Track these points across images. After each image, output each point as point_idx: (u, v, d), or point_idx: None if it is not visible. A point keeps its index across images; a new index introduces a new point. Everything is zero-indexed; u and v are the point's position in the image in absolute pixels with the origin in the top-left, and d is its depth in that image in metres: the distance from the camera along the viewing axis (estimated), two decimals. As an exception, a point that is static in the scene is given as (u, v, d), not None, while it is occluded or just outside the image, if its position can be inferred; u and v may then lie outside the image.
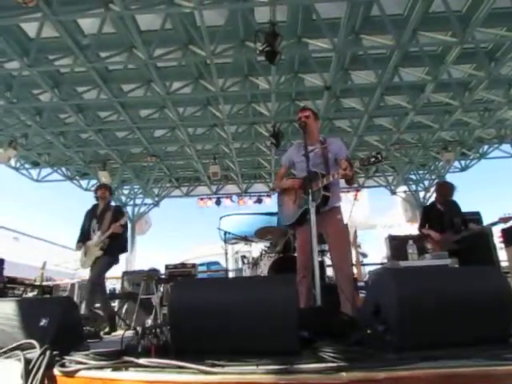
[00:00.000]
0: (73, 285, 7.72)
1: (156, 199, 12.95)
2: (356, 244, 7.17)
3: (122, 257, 5.21)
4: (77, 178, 11.83)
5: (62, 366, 1.70)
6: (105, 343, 3.50)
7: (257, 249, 7.22)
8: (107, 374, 1.59)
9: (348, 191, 11.68)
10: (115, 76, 7.13)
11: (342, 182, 3.43)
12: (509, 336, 1.89)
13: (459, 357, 1.51)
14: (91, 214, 5.13)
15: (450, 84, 7.69)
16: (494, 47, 6.94)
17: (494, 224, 4.97)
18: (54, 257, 13.41)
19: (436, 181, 11.34)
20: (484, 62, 6.88)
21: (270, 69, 6.56)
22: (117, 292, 8.04)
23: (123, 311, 6.55)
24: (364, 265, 8.72)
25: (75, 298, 7.06)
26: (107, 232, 4.79)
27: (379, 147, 10.13)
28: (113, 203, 5.47)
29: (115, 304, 6.93)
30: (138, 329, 2.18)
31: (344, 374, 1.35)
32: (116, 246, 4.91)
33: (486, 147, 11.05)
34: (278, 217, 3.64)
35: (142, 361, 1.64)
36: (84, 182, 12.03)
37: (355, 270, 6.45)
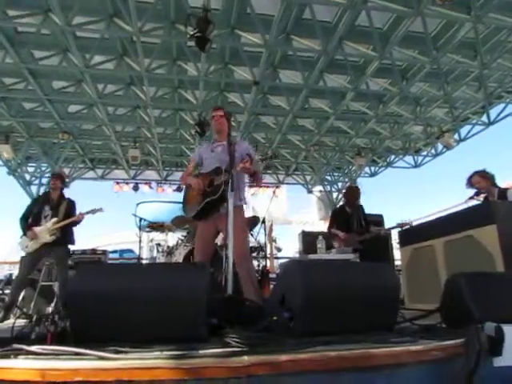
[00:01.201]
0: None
1: (66, 180, 11.96)
2: (271, 238, 7.43)
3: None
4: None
5: None
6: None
7: (173, 238, 7.08)
8: (-7, 362, 1.45)
9: (267, 187, 12.05)
10: (26, 39, 6.37)
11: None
12: (394, 323, 2.13)
13: (351, 341, 1.67)
14: (43, 200, 5.05)
15: (368, 95, 8.30)
16: (407, 67, 7.69)
17: (393, 228, 5.53)
18: None
19: (347, 184, 12.18)
20: (397, 78, 7.56)
21: (200, 56, 6.44)
22: (13, 277, 7.29)
23: (20, 298, 5.96)
24: (277, 258, 9.07)
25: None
26: (65, 221, 4.79)
27: (300, 146, 10.59)
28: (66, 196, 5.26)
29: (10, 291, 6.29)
30: (34, 316, 2.02)
31: (246, 357, 1.39)
32: (68, 236, 4.93)
33: (392, 157, 12.15)
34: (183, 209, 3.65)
35: (34, 348, 1.53)
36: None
37: (268, 263, 6.69)
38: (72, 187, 12.08)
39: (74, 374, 1.35)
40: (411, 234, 4.95)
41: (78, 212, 5.01)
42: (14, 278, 7.13)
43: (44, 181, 11.57)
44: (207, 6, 5.15)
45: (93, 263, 6.58)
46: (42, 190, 11.51)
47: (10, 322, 3.86)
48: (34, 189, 11.31)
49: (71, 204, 5.09)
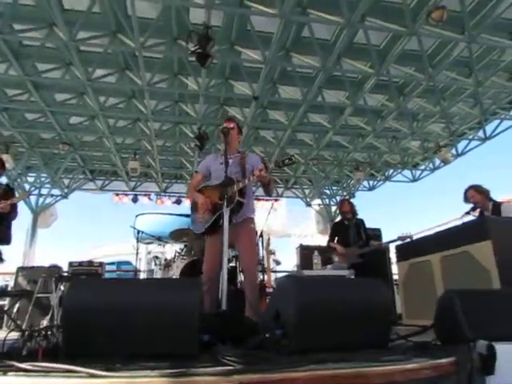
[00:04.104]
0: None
1: (65, 191, 11.99)
2: (269, 251, 7.42)
3: (19, 250, 4.48)
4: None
5: None
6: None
7: (171, 250, 7.07)
8: (-19, 378, 1.44)
9: (267, 200, 12.06)
10: (30, 52, 6.46)
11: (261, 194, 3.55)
12: (388, 340, 2.12)
13: (344, 359, 1.67)
14: None
15: (366, 110, 8.38)
16: (404, 83, 7.79)
17: (393, 241, 5.47)
18: None
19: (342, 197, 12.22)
20: (394, 94, 7.67)
21: (201, 70, 6.53)
22: (9, 289, 7.26)
23: (14, 310, 5.93)
24: (275, 272, 9.03)
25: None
26: None
27: (299, 160, 10.65)
28: (2, 180, 4.33)
29: (5, 302, 6.26)
30: (26, 330, 2.02)
31: (236, 376, 1.39)
32: (3, 233, 3.95)
33: (391, 171, 12.21)
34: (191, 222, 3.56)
35: (24, 365, 1.52)
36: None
37: (266, 277, 6.67)
38: (71, 198, 12.13)
39: (64, 392, 1.35)
40: (408, 249, 4.95)
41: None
42: (9, 289, 7.12)
43: (44, 191, 11.62)
44: (208, 23, 5.26)
45: (89, 275, 6.57)
46: (42, 200, 11.54)
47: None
48: (33, 199, 11.34)
49: (5, 191, 4.06)
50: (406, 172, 12.04)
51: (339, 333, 1.99)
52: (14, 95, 7.78)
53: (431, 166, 11.40)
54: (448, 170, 10.63)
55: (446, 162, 9.90)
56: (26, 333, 1.90)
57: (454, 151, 10.10)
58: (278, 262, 10.68)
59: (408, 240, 5.19)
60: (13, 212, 3.94)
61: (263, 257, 6.75)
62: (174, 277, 5.43)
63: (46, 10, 5.51)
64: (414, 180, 12.12)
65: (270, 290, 5.98)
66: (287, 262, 11.85)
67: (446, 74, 7.16)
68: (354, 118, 8.75)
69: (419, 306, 4.41)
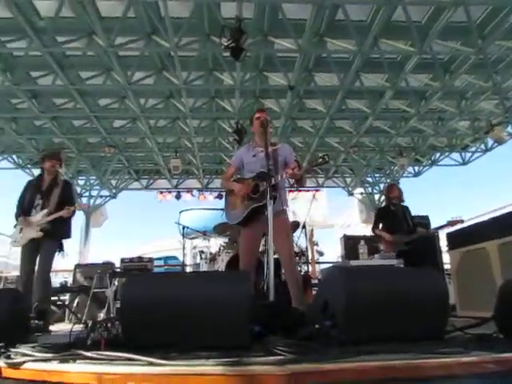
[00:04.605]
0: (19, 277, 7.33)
1: (113, 191, 12.56)
2: (313, 242, 7.36)
3: (75, 249, 4.81)
4: (29, 166, 11.19)
5: (7, 357, 1.68)
6: (53, 337, 3.38)
7: (215, 244, 7.21)
8: (54, 366, 1.58)
9: (308, 190, 11.95)
10: (73, 62, 6.83)
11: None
12: (443, 333, 2.03)
13: (396, 351, 1.62)
14: (34, 188, 4.27)
15: (408, 92, 8.04)
16: (450, 60, 7.31)
17: (442, 227, 5.20)
18: (2, 248, 12.67)
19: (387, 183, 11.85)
20: (439, 73, 7.25)
21: (235, 65, 6.55)
22: (68, 285, 7.74)
23: (74, 305, 6.33)
24: (319, 263, 8.95)
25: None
26: (54, 214, 4.06)
27: (339, 149, 10.44)
28: (62, 177, 4.52)
29: (66, 297, 6.69)
30: (89, 322, 2.14)
31: (289, 366, 1.40)
32: (61, 229, 4.19)
33: (437, 154, 11.65)
34: (225, 216, 3.59)
35: (90, 353, 1.63)
36: (36, 171, 11.41)
37: (310, 268, 6.63)
38: (119, 197, 12.71)
39: (127, 379, 1.43)
40: (461, 236, 4.66)
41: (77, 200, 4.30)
42: (68, 285, 7.59)
43: (94, 193, 12.24)
44: (240, 16, 5.25)
45: (140, 270, 6.85)
46: (92, 201, 12.16)
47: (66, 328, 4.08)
48: (84, 200, 11.97)
49: (66, 189, 4.28)
50: (455, 155, 11.46)
51: (391, 324, 1.93)
52: (61, 104, 8.25)
53: (483, 147, 10.76)
54: (503, 150, 9.96)
55: (500, 141, 9.27)
56: (89, 325, 2.02)
57: (509, 129, 9.42)
58: (321, 253, 10.57)
59: (459, 225, 4.93)
60: (73, 212, 4.23)
61: (307, 248, 6.71)
62: (219, 270, 5.54)
63: (85, 20, 5.76)
64: (464, 163, 11.48)
65: (315, 281, 5.94)
66: (330, 252, 11.72)
67: (498, 44, 6.61)
68: (395, 101, 8.42)
69: (474, 297, 4.15)
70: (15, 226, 4.17)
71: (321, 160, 3.06)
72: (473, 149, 11.09)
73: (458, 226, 5.01)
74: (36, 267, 4.03)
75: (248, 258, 3.32)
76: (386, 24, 6.05)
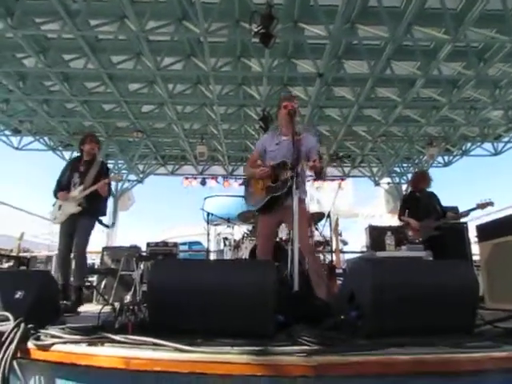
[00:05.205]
0: (50, 257, 7.60)
1: (140, 176, 12.81)
2: (337, 232, 7.30)
3: (103, 231, 4.87)
4: (60, 148, 11.51)
5: (37, 339, 1.69)
6: (82, 318, 3.45)
7: (239, 231, 7.26)
8: (82, 348, 1.60)
9: (333, 180, 11.82)
10: (104, 46, 6.90)
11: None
12: (473, 326, 1.98)
13: (424, 344, 1.59)
14: (73, 166, 4.50)
15: (440, 80, 7.77)
16: (484, 47, 7.02)
17: (472, 210, 5.04)
18: (33, 227, 13.15)
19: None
20: (473, 61, 6.96)
21: (264, 51, 6.48)
22: (96, 267, 8.00)
23: (102, 286, 6.54)
24: (343, 252, 8.90)
25: (52, 271, 6.98)
26: (91, 187, 4.25)
27: (367, 138, 10.24)
28: (100, 159, 4.80)
29: (93, 279, 6.92)
30: (116, 305, 2.20)
31: (315, 357, 1.41)
32: (97, 206, 4.40)
33: (469, 144, 11.27)
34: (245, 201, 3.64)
35: (118, 337, 1.66)
36: (67, 154, 11.74)
37: (334, 258, 6.60)
38: (145, 182, 12.94)
39: (155, 364, 1.46)
40: (491, 228, 4.54)
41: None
42: (96, 267, 7.84)
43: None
44: (271, 1, 5.16)
45: (165, 255, 6.99)
46: (120, 185, 12.44)
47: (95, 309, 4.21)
48: (113, 184, 12.24)
49: (102, 168, 4.48)
50: (487, 145, 11.07)
51: (418, 317, 1.90)
52: (92, 88, 8.39)
53: (516, 137, 10.35)
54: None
55: (535, 132, 8.88)
56: (117, 308, 2.07)
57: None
58: (344, 243, 10.49)
59: (489, 207, 4.78)
60: (108, 190, 4.45)
61: (331, 237, 6.67)
62: (243, 257, 5.59)
63: (117, 4, 5.79)
64: (497, 153, 11.10)
65: (340, 270, 5.90)
66: (354, 242, 11.62)
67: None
68: (426, 90, 8.14)
69: (505, 289, 4.07)
70: (54, 204, 4.36)
71: (342, 154, 3.08)
72: (506, 139, 10.71)
73: (488, 210, 4.92)
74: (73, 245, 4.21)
75: (263, 240, 3.44)
76: (420, 11, 5.85)
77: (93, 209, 4.31)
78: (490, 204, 4.80)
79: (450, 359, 1.48)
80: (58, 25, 6.19)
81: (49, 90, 8.47)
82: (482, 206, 4.84)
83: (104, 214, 4.60)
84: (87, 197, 4.25)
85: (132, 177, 12.75)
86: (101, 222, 4.56)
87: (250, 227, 6.44)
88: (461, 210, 5.30)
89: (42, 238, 13.31)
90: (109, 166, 11.31)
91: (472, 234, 6.26)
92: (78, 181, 4.35)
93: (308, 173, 3.65)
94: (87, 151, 4.50)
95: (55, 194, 4.37)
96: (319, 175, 3.37)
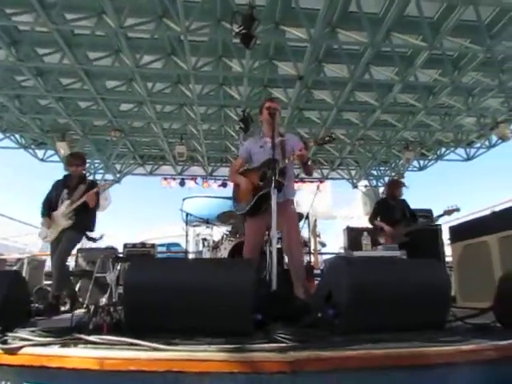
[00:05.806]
0: (20, 260, 7.32)
1: (118, 176, 12.56)
2: (315, 233, 7.38)
3: None
4: (32, 146, 11.13)
5: (4, 342, 1.62)
6: (55, 321, 3.35)
7: (218, 232, 7.24)
8: (54, 350, 1.55)
9: (312, 182, 11.93)
10: (81, 41, 6.68)
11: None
12: (444, 322, 2.06)
13: (399, 339, 1.64)
14: (62, 184, 4.59)
15: (416, 86, 7.96)
16: (459, 56, 7.27)
17: (440, 216, 5.30)
18: (2, 230, 12.71)
19: (391, 177, 11.89)
20: (449, 69, 7.18)
21: (245, 52, 6.48)
22: (70, 269, 7.79)
23: (76, 289, 6.38)
24: (322, 253, 9.00)
25: (23, 274, 6.75)
26: (78, 201, 4.31)
27: (345, 141, 10.38)
28: (89, 179, 5.02)
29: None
30: (91, 306, 2.15)
31: (292, 353, 1.41)
32: (85, 221, 4.47)
33: (443, 149, 11.60)
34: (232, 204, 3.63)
35: (92, 337, 1.63)
36: (40, 152, 11.39)
37: (313, 258, 6.66)
38: (123, 182, 12.70)
39: (129, 364, 1.43)
40: (463, 230, 4.73)
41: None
42: (70, 269, 7.60)
43: (98, 177, 12.23)
44: (253, 2, 5.17)
45: (143, 256, 6.89)
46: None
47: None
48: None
49: (90, 185, 4.52)
50: (460, 150, 11.44)
51: (393, 313, 1.95)
52: (67, 84, 8.15)
53: (487, 143, 10.78)
54: (507, 147, 9.92)
55: (504, 138, 9.29)
56: (92, 309, 2.02)
57: (513, 127, 9.39)
58: (323, 244, 10.60)
59: (455, 213, 5.00)
60: (97, 199, 4.48)
61: (309, 239, 6.73)
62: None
63: (96, -1, 5.66)
64: (469, 159, 11.48)
65: (318, 271, 5.96)
66: (332, 243, 11.74)
67: (505, 44, 6.59)
68: (403, 95, 8.34)
69: (475, 289, 4.24)
70: (43, 224, 4.42)
71: (327, 138, 3.15)
72: (477, 145, 11.11)
73: (455, 216, 5.18)
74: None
75: (251, 250, 3.38)
76: (399, 18, 5.99)
77: (80, 223, 4.40)
78: (457, 210, 5.03)
79: (423, 353, 1.54)
80: (32, 17, 5.97)
81: (21, 85, 8.13)
82: (448, 213, 5.07)
83: (92, 229, 4.67)
84: (75, 210, 4.33)
85: (109, 177, 12.47)
86: (88, 237, 4.70)
87: (229, 228, 6.42)
88: (434, 212, 5.52)
89: (12, 240, 12.86)
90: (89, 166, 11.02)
91: (445, 236, 6.48)
92: (67, 196, 4.44)
93: (296, 165, 3.64)
94: (74, 171, 4.61)
95: (43, 215, 4.44)
96: (307, 168, 3.38)
